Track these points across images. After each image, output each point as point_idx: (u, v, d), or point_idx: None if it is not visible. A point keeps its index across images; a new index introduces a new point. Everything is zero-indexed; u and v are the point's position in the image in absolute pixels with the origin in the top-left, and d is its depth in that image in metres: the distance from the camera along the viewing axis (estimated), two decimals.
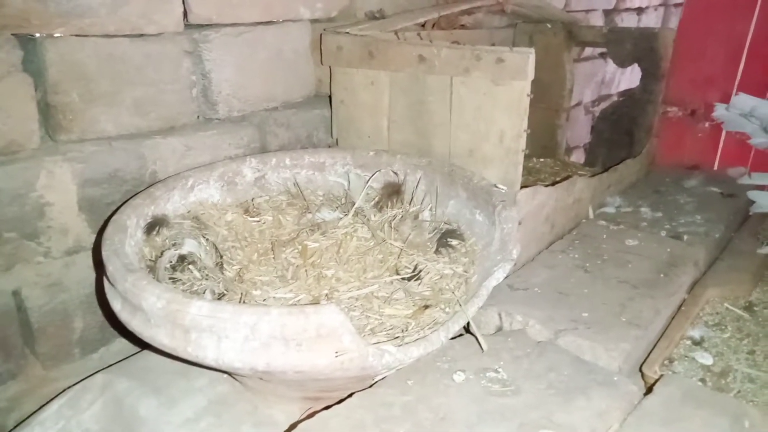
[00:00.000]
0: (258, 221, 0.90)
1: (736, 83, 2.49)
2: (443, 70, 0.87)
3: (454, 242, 0.81)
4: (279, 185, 0.97)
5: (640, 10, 2.35)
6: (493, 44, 1.41)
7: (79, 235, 0.83)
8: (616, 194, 1.20)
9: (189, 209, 0.87)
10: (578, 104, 1.92)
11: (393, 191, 0.90)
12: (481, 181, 0.83)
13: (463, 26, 1.25)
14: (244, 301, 0.72)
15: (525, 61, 0.79)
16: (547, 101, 1.49)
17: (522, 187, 0.90)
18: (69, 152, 0.80)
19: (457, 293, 0.72)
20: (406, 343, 0.61)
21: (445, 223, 0.87)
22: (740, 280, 0.94)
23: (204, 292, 0.71)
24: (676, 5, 2.60)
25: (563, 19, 1.39)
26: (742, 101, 1.22)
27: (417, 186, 0.91)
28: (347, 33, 0.97)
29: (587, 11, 1.93)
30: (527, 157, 1.55)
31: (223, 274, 0.77)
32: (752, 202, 1.17)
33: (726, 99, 2.69)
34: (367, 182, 0.93)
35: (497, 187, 0.80)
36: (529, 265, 0.93)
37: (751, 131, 1.18)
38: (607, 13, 2.12)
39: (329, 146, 1.10)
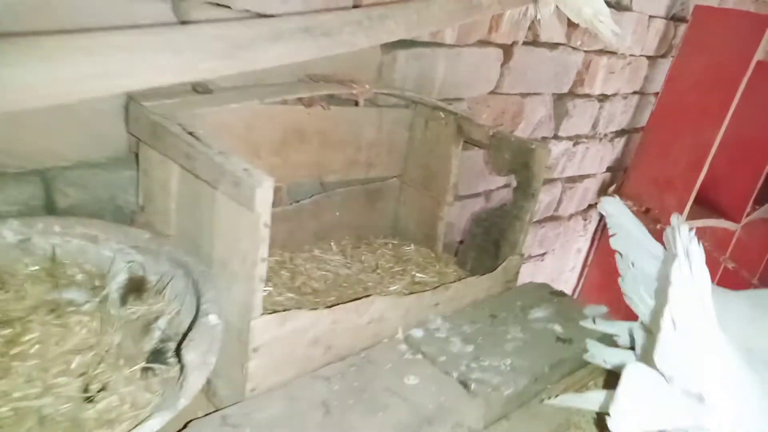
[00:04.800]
0: None
1: (694, 191, 2.37)
2: (203, 174, 0.81)
3: (160, 366, 0.74)
4: (47, 251, 0.92)
5: (603, 97, 2.25)
6: (380, 126, 1.35)
7: None
8: (443, 314, 1.11)
9: None
10: (478, 195, 1.83)
11: (134, 287, 0.84)
12: (209, 305, 0.76)
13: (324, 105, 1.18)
14: None
15: (252, 193, 0.71)
16: (432, 190, 1.41)
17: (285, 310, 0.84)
18: None
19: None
20: None
21: (175, 335, 0.80)
22: None
23: None
24: (656, 94, 2.48)
25: (446, 110, 1.31)
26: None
27: (166, 287, 0.84)
28: (141, 105, 0.91)
29: (525, 95, 1.84)
30: (401, 243, 1.48)
31: None
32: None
33: (682, 205, 2.55)
34: (122, 269, 0.87)
35: (207, 317, 0.73)
36: (271, 393, 0.85)
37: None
38: (558, 98, 2.02)
39: (134, 212, 1.04)
